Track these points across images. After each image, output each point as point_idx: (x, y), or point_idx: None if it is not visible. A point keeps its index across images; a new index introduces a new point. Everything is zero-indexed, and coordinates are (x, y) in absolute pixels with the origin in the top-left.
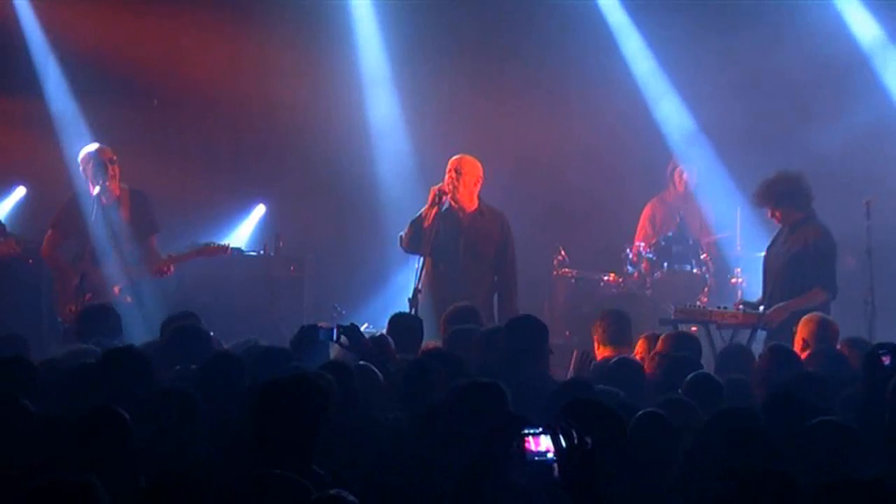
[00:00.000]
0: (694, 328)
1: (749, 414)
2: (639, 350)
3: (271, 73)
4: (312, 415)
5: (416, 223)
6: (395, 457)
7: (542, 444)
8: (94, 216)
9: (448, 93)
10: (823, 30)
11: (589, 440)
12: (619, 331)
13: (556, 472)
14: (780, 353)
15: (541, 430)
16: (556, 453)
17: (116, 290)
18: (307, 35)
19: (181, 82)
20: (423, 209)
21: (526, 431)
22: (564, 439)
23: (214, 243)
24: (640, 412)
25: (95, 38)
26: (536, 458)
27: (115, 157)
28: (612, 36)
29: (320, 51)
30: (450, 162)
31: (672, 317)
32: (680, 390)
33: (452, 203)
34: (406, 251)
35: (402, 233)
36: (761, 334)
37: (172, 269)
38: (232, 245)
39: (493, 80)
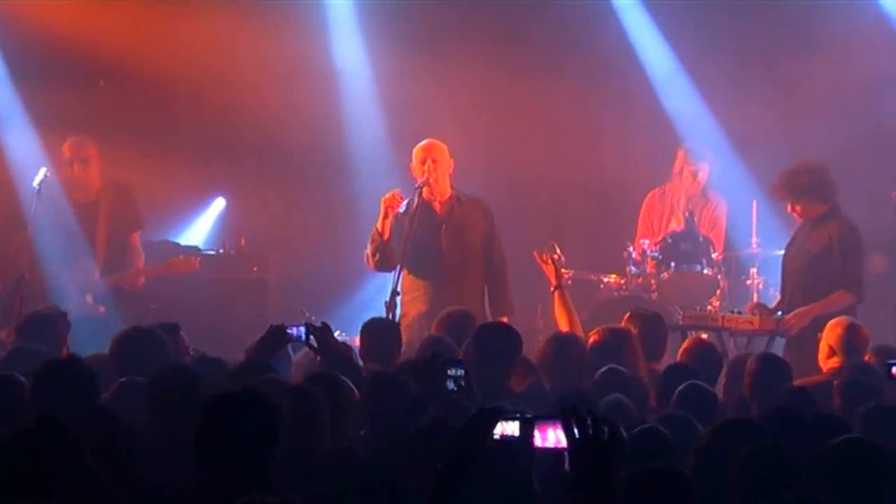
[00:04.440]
0: (705, 335)
1: (753, 427)
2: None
3: (234, 54)
4: (262, 433)
5: (378, 239)
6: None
7: (551, 438)
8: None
9: (429, 79)
10: (851, 11)
11: (606, 429)
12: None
13: (566, 465)
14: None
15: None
16: (568, 444)
17: (90, 298)
18: (275, 12)
19: (131, 63)
20: (377, 224)
21: (525, 416)
22: (578, 429)
23: (182, 257)
24: (637, 429)
25: (36, 16)
26: (545, 453)
27: (75, 155)
28: (616, 16)
29: (289, 30)
30: (418, 151)
31: (680, 322)
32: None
33: (427, 196)
34: (377, 271)
35: (367, 251)
36: (780, 342)
37: (142, 280)
38: (189, 244)
39: (479, 64)
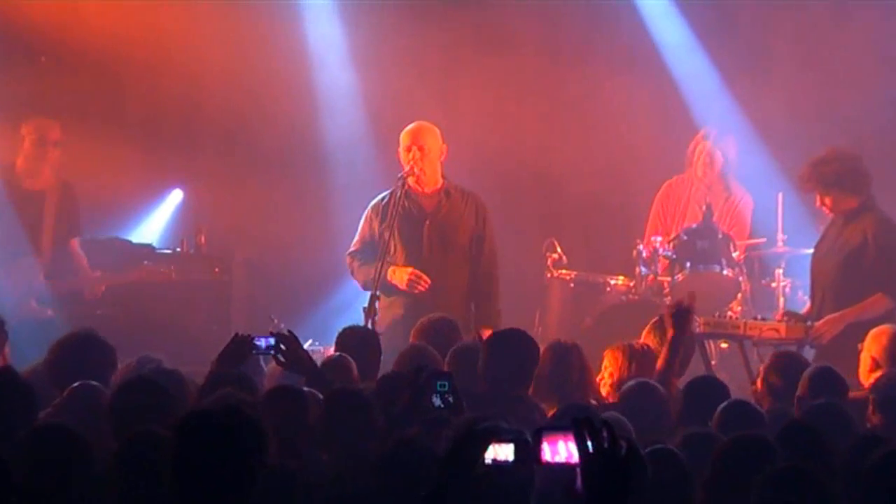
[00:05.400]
0: (725, 344)
1: (763, 442)
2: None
3: (194, 27)
4: (245, 454)
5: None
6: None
7: (562, 452)
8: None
9: (411, 60)
10: None
11: (624, 444)
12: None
13: (578, 483)
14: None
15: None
16: (580, 459)
17: (33, 302)
18: None
19: (76, 37)
20: (389, 275)
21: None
22: (592, 442)
23: (155, 266)
24: (649, 448)
25: None
26: (554, 468)
27: (46, 135)
28: None
29: (259, 7)
30: (404, 136)
31: (698, 330)
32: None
33: (412, 186)
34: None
35: (351, 264)
36: (810, 352)
37: (103, 288)
38: (143, 241)
39: (467, 46)
